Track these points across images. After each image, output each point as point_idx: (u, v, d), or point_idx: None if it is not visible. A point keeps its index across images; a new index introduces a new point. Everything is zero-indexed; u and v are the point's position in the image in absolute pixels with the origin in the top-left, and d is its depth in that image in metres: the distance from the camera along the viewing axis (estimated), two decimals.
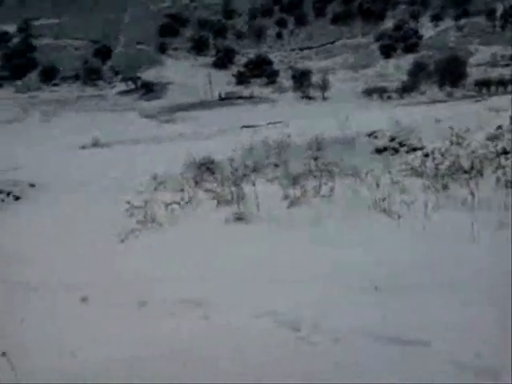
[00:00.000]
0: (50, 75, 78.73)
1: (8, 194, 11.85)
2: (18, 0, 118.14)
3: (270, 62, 73.70)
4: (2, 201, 11.61)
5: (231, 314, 3.60)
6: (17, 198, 11.76)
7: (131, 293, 4.32)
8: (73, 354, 3.24)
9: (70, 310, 4.14)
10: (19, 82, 79.76)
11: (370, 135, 13.72)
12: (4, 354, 2.91)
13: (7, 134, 42.82)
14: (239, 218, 6.76)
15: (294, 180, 8.63)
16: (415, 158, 9.79)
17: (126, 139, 31.37)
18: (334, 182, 7.72)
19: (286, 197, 7.69)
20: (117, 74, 77.82)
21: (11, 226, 9.22)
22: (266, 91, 64.42)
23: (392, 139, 12.90)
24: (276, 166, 11.45)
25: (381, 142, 12.91)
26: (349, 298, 3.77)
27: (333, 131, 13.52)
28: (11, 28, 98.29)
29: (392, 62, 70.33)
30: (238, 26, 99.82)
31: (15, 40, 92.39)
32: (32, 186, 12.34)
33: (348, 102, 47.84)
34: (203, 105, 57.24)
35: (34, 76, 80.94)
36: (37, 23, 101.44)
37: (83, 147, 28.40)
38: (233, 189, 7.94)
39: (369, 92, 56.64)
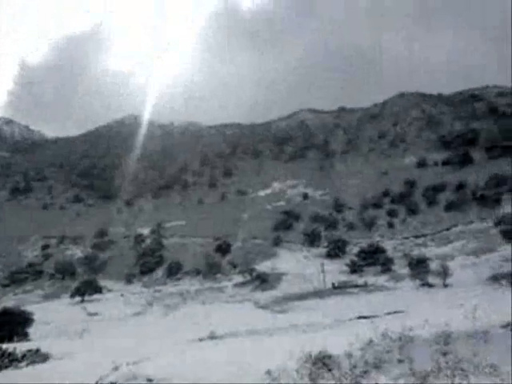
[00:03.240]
0: (174, 271, 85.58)
1: None
2: (154, 206, 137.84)
3: (383, 251, 73.41)
4: None
5: None
6: None
7: None
8: None
9: None
10: (146, 278, 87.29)
11: (505, 326, 12.25)
12: None
13: (132, 327, 45.39)
14: None
15: (424, 379, 7.70)
16: None
17: (241, 331, 31.39)
18: (469, 381, 6.77)
19: None
20: (235, 266, 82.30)
21: None
22: (381, 279, 62.68)
23: None
24: (400, 361, 10.45)
25: None
26: None
27: (461, 322, 12.33)
28: (145, 230, 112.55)
29: None
30: (348, 218, 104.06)
31: (148, 241, 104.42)
32: (149, 380, 12.42)
33: (473, 289, 44.41)
34: (316, 294, 56.71)
35: (160, 272, 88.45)
36: (168, 225, 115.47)
37: (200, 340, 28.74)
38: None
39: (496, 278, 52.30)
